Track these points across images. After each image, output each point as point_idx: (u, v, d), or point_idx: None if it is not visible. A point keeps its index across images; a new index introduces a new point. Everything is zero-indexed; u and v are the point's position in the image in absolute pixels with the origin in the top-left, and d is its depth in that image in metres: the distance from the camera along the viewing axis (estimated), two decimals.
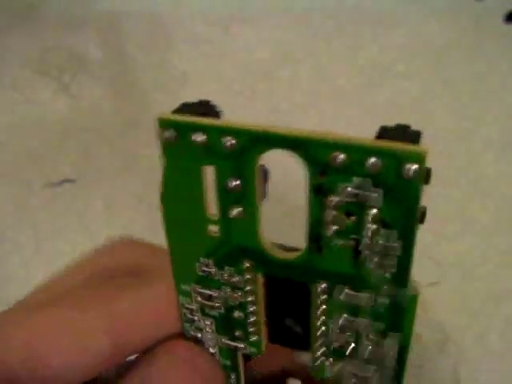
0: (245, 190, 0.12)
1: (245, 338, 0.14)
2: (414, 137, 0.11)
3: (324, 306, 0.13)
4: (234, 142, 0.12)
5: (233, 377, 0.15)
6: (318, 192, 0.11)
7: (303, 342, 0.14)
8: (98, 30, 0.46)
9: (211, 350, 0.15)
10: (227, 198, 0.12)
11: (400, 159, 0.10)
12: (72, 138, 0.39)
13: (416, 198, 0.10)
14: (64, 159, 0.38)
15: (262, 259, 0.13)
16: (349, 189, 0.11)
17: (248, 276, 0.13)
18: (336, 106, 0.40)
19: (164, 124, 0.12)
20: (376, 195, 0.11)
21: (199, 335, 0.15)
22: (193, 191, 0.12)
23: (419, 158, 0.10)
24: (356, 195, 0.11)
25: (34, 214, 0.35)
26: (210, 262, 0.13)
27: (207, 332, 0.14)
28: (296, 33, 0.45)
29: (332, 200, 0.11)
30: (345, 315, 0.13)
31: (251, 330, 0.14)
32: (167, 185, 0.13)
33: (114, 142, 0.39)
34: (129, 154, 0.38)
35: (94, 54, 0.45)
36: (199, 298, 0.14)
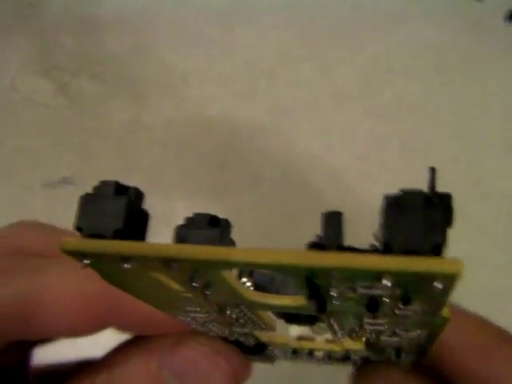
0: (212, 283, 0.10)
1: (253, 328, 0.14)
2: (434, 233, 0.08)
3: (338, 324, 0.12)
4: (176, 266, 0.09)
5: (250, 339, 0.15)
6: (313, 291, 0.09)
7: (312, 319, 0.13)
8: (97, 29, 0.46)
9: (220, 333, 0.14)
10: (192, 288, 0.10)
11: (424, 279, 0.08)
12: (71, 138, 0.39)
13: (443, 302, 0.09)
14: (63, 159, 0.38)
15: (254, 306, 0.11)
16: (351, 290, 0.09)
17: (241, 313, 0.12)
18: (336, 106, 0.40)
19: (75, 255, 0.09)
20: (390, 292, 0.08)
21: (203, 328, 0.14)
22: (145, 282, 0.10)
23: (449, 278, 0.08)
24: (364, 293, 0.09)
25: (34, 214, 0.35)
26: (193, 308, 0.12)
27: (213, 327, 0.14)
28: (296, 33, 0.45)
29: (333, 295, 0.09)
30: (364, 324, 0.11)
31: (258, 324, 0.13)
32: (111, 282, 0.10)
33: (114, 142, 0.39)
34: (129, 154, 0.38)
35: (93, 53, 0.44)
36: (193, 317, 0.13)
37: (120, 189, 0.09)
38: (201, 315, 0.12)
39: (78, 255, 0.09)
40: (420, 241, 0.07)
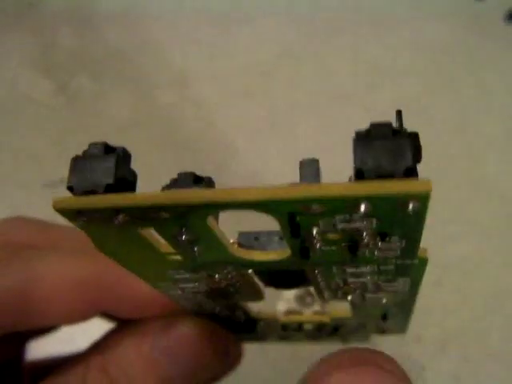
0: (199, 236, 0.10)
1: (242, 297, 0.14)
2: (403, 158, 0.08)
3: (323, 279, 0.12)
4: (165, 214, 0.09)
5: (239, 313, 0.15)
6: (294, 229, 0.09)
7: (299, 282, 0.13)
8: (97, 29, 0.46)
9: (208, 307, 0.15)
10: (180, 244, 0.10)
11: (397, 201, 0.08)
12: (72, 138, 0.39)
13: (419, 226, 0.09)
14: (64, 159, 0.38)
15: (242, 264, 0.11)
16: (331, 225, 0.09)
17: (230, 275, 0.12)
18: (336, 106, 0.40)
19: (67, 215, 0.09)
20: (366, 223, 0.09)
21: (191, 302, 0.14)
22: (133, 243, 0.10)
23: (421, 197, 0.08)
24: (344, 228, 0.09)
25: (34, 214, 0.35)
26: (182, 271, 0.12)
27: (199, 301, 0.14)
28: (296, 33, 0.45)
29: (314, 233, 0.09)
30: (349, 279, 0.12)
31: (245, 291, 0.13)
32: (100, 246, 0.11)
33: (113, 141, 0.39)
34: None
35: (93, 53, 0.44)
36: (180, 290, 0.13)
37: (108, 148, 0.10)
38: (190, 285, 0.12)
39: (71, 214, 0.09)
40: (390, 165, 0.08)
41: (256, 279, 0.13)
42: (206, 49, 0.44)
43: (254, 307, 0.16)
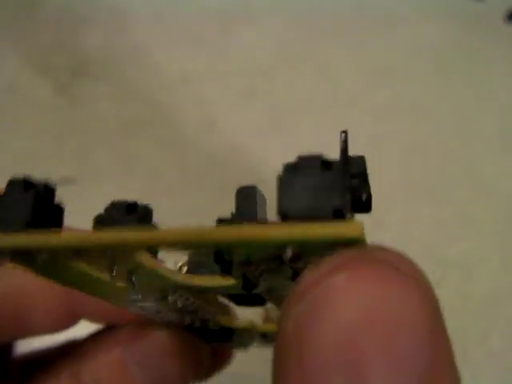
0: (131, 269, 0.09)
1: (208, 314, 0.14)
2: (335, 196, 0.07)
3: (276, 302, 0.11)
4: (87, 254, 0.09)
5: (212, 322, 0.15)
6: (226, 267, 0.09)
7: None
8: (97, 29, 0.46)
9: (180, 320, 0.14)
10: (115, 275, 0.10)
11: (326, 246, 0.07)
12: (72, 138, 0.39)
13: None
14: (64, 159, 0.38)
15: (191, 289, 0.11)
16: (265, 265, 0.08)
17: (183, 297, 0.11)
18: (336, 106, 0.40)
19: None
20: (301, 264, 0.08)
21: (160, 316, 0.14)
22: (72, 274, 0.10)
23: (354, 241, 0.07)
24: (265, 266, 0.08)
25: None
26: (135, 297, 0.11)
27: (169, 316, 0.14)
28: (296, 33, 0.45)
29: (252, 271, 0.08)
30: None
31: (210, 310, 0.13)
32: (47, 279, 0.10)
33: (113, 142, 0.39)
34: (129, 154, 0.38)
35: (94, 53, 0.44)
36: (142, 308, 0.13)
37: (28, 185, 0.09)
38: (148, 304, 0.12)
39: None
40: (319, 203, 0.07)
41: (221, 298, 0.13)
42: (207, 49, 0.44)
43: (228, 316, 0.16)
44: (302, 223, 0.07)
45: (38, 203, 0.09)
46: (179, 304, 0.12)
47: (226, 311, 0.14)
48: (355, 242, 0.07)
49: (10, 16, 0.47)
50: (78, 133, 0.39)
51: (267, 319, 0.16)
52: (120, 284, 0.10)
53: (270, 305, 0.14)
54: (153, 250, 0.09)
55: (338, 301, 0.07)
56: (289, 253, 0.07)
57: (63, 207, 0.09)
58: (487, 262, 0.32)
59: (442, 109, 0.40)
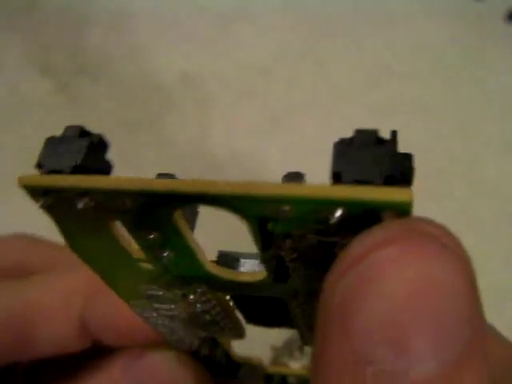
0: (167, 237, 0.09)
1: (221, 330, 0.13)
2: (386, 166, 0.07)
3: (302, 314, 0.11)
4: (130, 202, 0.08)
5: (219, 351, 0.15)
6: (265, 239, 0.08)
7: (281, 320, 0.12)
8: (97, 29, 0.46)
9: (187, 340, 0.14)
10: (149, 244, 0.10)
11: (374, 210, 0.07)
12: None
13: None
14: None
15: (216, 284, 0.11)
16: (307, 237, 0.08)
17: (205, 297, 0.11)
18: (336, 106, 0.40)
19: (32, 192, 0.09)
20: (341, 239, 0.08)
21: (169, 331, 0.14)
22: (103, 240, 0.10)
23: (402, 208, 0.07)
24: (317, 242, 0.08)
25: (34, 214, 0.35)
26: (154, 287, 0.11)
27: (178, 329, 0.13)
28: (296, 32, 0.45)
29: (289, 249, 0.08)
30: None
31: (225, 326, 0.13)
32: (70, 240, 0.10)
33: (113, 142, 0.38)
34: (129, 154, 0.38)
35: (94, 53, 0.44)
36: (156, 310, 0.12)
37: (84, 133, 0.09)
38: (165, 306, 0.12)
39: (35, 192, 0.09)
40: (371, 170, 0.07)
41: (237, 313, 0.12)
42: (206, 48, 0.44)
43: (239, 350, 0.15)
44: (355, 186, 0.07)
45: (89, 151, 0.09)
46: (198, 307, 0.11)
47: (239, 332, 0.13)
48: (404, 208, 0.07)
49: (11, 15, 0.47)
50: None
51: (275, 362, 0.16)
52: (145, 265, 0.10)
53: (281, 345, 0.14)
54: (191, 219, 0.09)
55: (388, 275, 0.07)
56: (337, 213, 0.07)
57: (112, 165, 0.09)
58: (487, 262, 0.32)
59: (442, 108, 0.40)
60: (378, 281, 0.07)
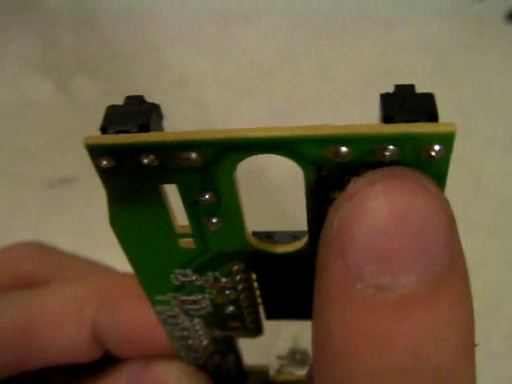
0: (221, 199, 0.10)
1: (241, 325, 0.13)
2: (428, 108, 0.09)
3: None
4: (196, 157, 0.09)
5: (231, 358, 0.15)
6: (319, 188, 0.09)
7: (304, 311, 0.12)
8: (98, 29, 0.46)
9: (204, 343, 0.14)
10: (199, 210, 0.10)
11: (423, 143, 0.08)
12: (72, 138, 0.39)
13: (442, 178, 0.09)
14: (64, 159, 0.38)
15: (253, 259, 0.11)
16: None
17: (238, 277, 0.12)
18: (336, 106, 0.40)
19: (98, 152, 0.09)
20: None
21: (186, 333, 0.14)
22: (151, 209, 0.10)
23: (446, 138, 0.08)
24: None
25: (34, 214, 0.35)
26: (188, 271, 0.11)
27: (196, 330, 0.13)
28: (296, 33, 0.45)
29: (336, 195, 0.09)
30: None
31: (247, 318, 0.13)
32: (116, 210, 0.10)
33: None
34: None
35: (94, 53, 0.44)
36: (181, 305, 0.12)
37: (144, 100, 0.10)
38: (192, 297, 0.12)
39: (101, 152, 0.09)
40: (416, 111, 0.09)
41: (260, 309, 0.13)
42: (207, 49, 0.44)
43: (247, 359, 0.15)
44: (406, 123, 0.08)
45: (152, 114, 0.09)
46: (226, 294, 0.12)
47: (258, 329, 0.13)
48: (451, 138, 0.08)
49: (11, 15, 0.47)
50: (78, 133, 0.39)
51: (281, 370, 0.16)
52: (185, 243, 0.11)
53: (285, 359, 0.14)
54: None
55: (375, 205, 0.08)
56: (391, 149, 0.08)
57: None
58: (487, 262, 0.32)
59: (442, 108, 0.40)
60: (368, 209, 0.08)
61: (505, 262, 0.32)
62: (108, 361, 0.15)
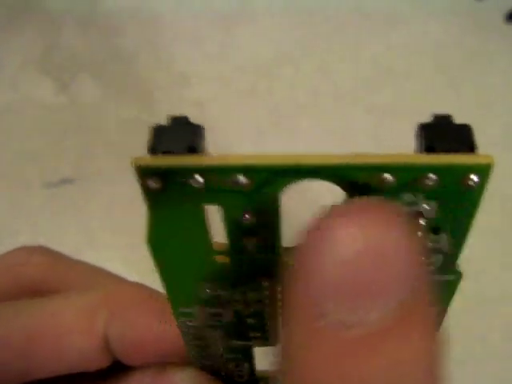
0: (263, 219, 0.10)
1: (261, 335, 0.13)
2: (467, 138, 0.09)
3: None
4: (245, 180, 0.09)
5: (246, 366, 0.15)
6: None
7: None
8: (98, 29, 0.46)
9: (221, 351, 0.14)
10: (238, 229, 0.10)
11: (463, 173, 0.09)
12: (72, 138, 0.39)
13: (477, 204, 0.09)
14: (64, 159, 0.38)
15: (284, 273, 0.11)
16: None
17: (267, 291, 0.12)
18: (336, 106, 0.40)
19: (147, 173, 0.09)
20: (428, 208, 0.10)
21: (204, 343, 0.14)
22: (191, 227, 0.10)
23: (484, 169, 0.09)
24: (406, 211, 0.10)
25: (34, 215, 0.35)
26: (219, 286, 0.12)
27: (215, 340, 0.13)
28: (297, 33, 0.45)
29: None
30: None
31: (269, 329, 0.13)
32: (156, 230, 0.10)
33: (114, 142, 0.39)
34: (129, 154, 0.38)
35: (94, 53, 0.44)
36: (205, 317, 0.12)
37: (189, 121, 0.10)
38: (216, 310, 0.12)
39: (149, 173, 0.09)
40: (456, 142, 0.09)
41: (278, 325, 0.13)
42: (207, 49, 0.44)
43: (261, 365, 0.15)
44: (447, 154, 0.09)
45: (198, 136, 0.10)
46: (252, 306, 0.12)
47: (276, 336, 0.13)
48: (488, 169, 0.09)
49: (11, 16, 0.47)
50: (78, 133, 0.39)
51: None
52: (220, 259, 0.11)
53: None
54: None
55: (340, 238, 0.08)
56: (432, 178, 0.09)
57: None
58: (487, 262, 0.32)
59: (442, 108, 0.40)
60: (330, 241, 0.08)
61: (505, 263, 0.32)
62: (117, 367, 0.15)
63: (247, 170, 0.09)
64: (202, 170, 0.09)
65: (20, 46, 0.45)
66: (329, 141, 0.37)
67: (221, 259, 0.11)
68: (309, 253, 0.08)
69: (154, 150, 0.09)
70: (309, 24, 0.46)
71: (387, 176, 0.09)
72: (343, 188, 0.09)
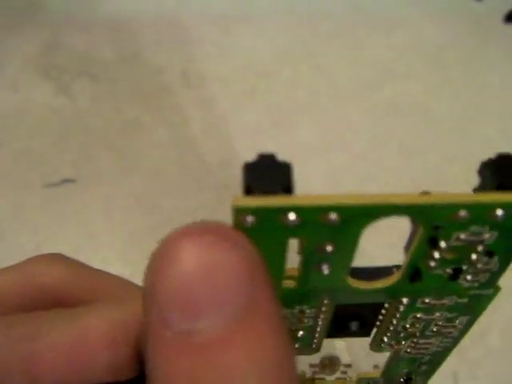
0: (340, 250, 0.11)
1: (302, 347, 0.14)
2: None
3: (398, 314, 0.13)
4: (334, 218, 0.10)
5: None
6: (429, 242, 0.11)
7: (363, 332, 0.14)
8: (98, 30, 0.46)
9: None
10: (314, 258, 0.11)
11: None
12: (72, 138, 0.39)
13: None
14: (64, 159, 0.38)
15: (342, 294, 0.12)
16: (463, 236, 0.11)
17: (324, 309, 0.12)
18: (336, 107, 0.40)
19: (244, 212, 0.10)
20: (489, 236, 0.11)
21: None
22: (272, 255, 0.11)
23: None
24: (469, 240, 0.11)
25: (34, 214, 0.35)
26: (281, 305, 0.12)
27: None
28: (296, 33, 0.45)
29: (442, 246, 0.11)
30: (419, 315, 0.13)
31: (314, 340, 0.14)
32: None
33: (114, 142, 0.39)
34: (129, 154, 0.38)
35: (94, 54, 0.44)
36: None
37: (276, 159, 0.11)
38: None
39: (247, 212, 0.10)
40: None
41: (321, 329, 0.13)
42: (207, 49, 0.44)
43: None
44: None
45: (289, 174, 0.10)
46: (306, 322, 0.13)
47: (316, 348, 0.14)
48: None
49: (12, 17, 0.47)
50: (79, 133, 0.39)
51: (313, 378, 0.16)
52: (289, 283, 0.12)
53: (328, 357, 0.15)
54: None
55: (180, 256, 0.09)
56: (500, 212, 0.10)
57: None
58: None
59: (441, 109, 0.40)
60: (173, 260, 0.09)
61: None
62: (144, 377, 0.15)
63: (341, 208, 0.10)
64: (297, 209, 0.10)
65: (20, 47, 0.45)
66: (328, 141, 0.37)
67: (288, 284, 0.12)
68: (153, 271, 0.09)
69: (249, 188, 0.10)
70: (309, 24, 0.46)
71: (463, 212, 0.10)
72: (422, 223, 0.10)
